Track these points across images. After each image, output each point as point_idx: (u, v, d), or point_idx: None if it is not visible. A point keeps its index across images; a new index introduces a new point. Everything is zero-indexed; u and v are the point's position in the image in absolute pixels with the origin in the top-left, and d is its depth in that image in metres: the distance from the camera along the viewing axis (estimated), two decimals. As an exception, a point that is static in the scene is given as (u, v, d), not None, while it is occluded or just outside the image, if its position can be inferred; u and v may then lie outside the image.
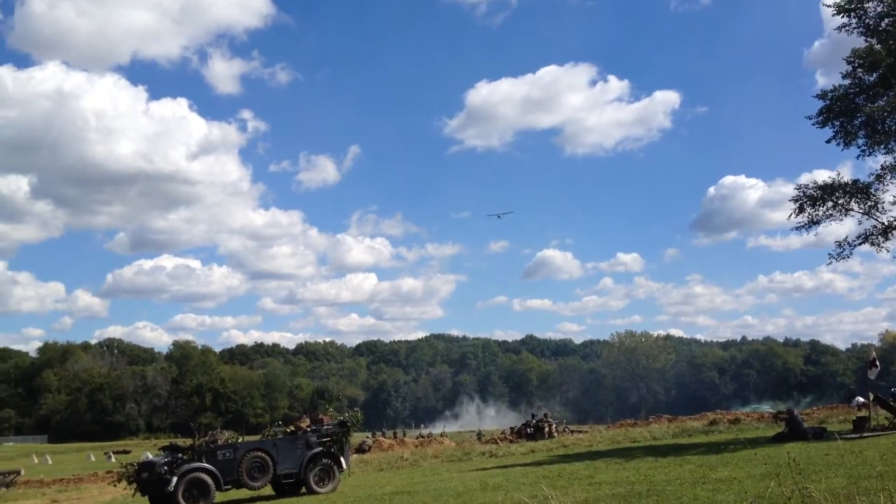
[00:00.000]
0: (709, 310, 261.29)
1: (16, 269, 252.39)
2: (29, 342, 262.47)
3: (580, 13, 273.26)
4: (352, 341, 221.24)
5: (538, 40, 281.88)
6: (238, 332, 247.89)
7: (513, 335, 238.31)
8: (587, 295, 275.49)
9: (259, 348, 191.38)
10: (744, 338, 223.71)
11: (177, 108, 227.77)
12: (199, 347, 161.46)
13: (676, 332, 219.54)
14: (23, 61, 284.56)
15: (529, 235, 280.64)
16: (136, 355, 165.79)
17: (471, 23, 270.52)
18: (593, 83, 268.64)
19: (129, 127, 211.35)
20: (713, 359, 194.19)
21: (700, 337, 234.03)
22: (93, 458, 73.01)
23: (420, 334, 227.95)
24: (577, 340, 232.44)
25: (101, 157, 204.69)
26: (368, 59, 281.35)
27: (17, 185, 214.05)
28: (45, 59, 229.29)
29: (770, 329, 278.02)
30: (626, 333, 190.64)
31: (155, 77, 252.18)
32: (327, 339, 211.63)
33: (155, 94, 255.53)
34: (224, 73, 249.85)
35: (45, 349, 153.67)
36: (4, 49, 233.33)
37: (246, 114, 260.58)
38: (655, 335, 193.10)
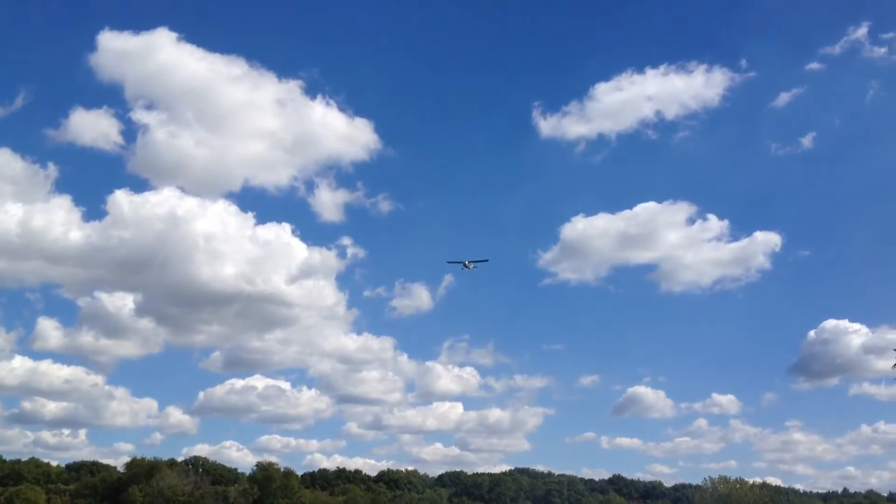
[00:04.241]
0: (809, 458, 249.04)
1: (113, 384, 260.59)
2: (119, 457, 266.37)
3: (680, 153, 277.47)
4: (434, 471, 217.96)
5: (637, 177, 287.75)
6: (322, 456, 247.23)
7: (600, 474, 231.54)
8: (679, 436, 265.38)
9: (341, 474, 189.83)
10: (845, 490, 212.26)
11: (281, 233, 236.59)
12: (282, 470, 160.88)
13: (774, 481, 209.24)
14: (141, 185, 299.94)
15: (621, 371, 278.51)
16: (220, 475, 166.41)
17: (569, 159, 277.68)
18: (692, 221, 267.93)
19: (235, 250, 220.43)
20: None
21: (799, 486, 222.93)
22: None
23: (504, 467, 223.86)
24: (668, 483, 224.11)
25: (206, 277, 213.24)
26: (467, 191, 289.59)
27: (123, 302, 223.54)
28: (161, 185, 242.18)
29: (874, 482, 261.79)
30: (720, 479, 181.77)
31: (263, 203, 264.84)
32: (410, 468, 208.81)
33: (262, 219, 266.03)
34: (329, 201, 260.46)
35: (133, 465, 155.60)
36: (124, 173, 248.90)
37: (346, 240, 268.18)
38: (751, 482, 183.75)
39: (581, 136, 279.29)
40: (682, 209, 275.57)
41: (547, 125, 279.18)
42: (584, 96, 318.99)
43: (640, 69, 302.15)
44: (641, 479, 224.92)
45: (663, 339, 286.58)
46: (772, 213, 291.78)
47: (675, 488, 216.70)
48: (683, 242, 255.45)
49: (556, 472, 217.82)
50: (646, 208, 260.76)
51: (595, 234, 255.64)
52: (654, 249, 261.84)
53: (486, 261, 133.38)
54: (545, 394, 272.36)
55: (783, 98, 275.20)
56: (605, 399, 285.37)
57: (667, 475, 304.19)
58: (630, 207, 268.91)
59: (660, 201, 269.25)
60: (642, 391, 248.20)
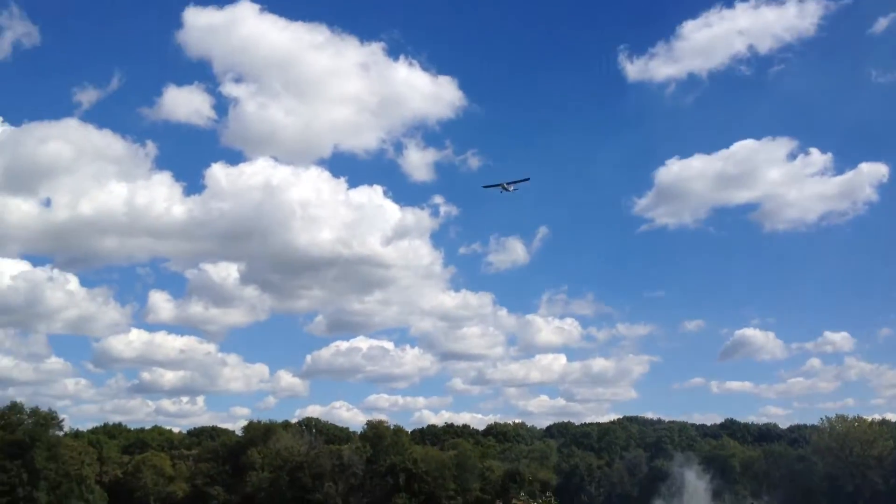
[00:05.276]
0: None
1: (225, 351, 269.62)
2: (236, 421, 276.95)
3: (777, 88, 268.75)
4: (542, 423, 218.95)
5: (732, 115, 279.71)
6: (429, 413, 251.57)
7: (712, 419, 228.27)
8: (792, 377, 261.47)
9: (449, 429, 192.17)
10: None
11: (373, 196, 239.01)
12: (392, 428, 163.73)
13: (894, 417, 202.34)
14: (235, 157, 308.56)
15: (727, 314, 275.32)
16: (333, 434, 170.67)
17: (660, 102, 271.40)
18: (793, 156, 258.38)
19: (330, 215, 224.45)
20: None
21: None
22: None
23: (612, 416, 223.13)
24: (783, 425, 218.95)
25: (304, 243, 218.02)
26: (555, 141, 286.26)
27: (228, 272, 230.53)
28: (255, 155, 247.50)
29: None
30: (837, 418, 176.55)
31: (354, 167, 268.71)
32: (517, 421, 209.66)
33: (353, 183, 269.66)
34: (418, 161, 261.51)
35: (250, 428, 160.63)
36: (219, 146, 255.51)
37: (438, 199, 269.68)
38: (870, 420, 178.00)
39: (670, 77, 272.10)
40: (783, 145, 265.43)
41: (634, 69, 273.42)
42: (670, 36, 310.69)
43: (728, 3, 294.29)
44: (755, 423, 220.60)
45: (770, 279, 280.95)
46: (877, 143, 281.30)
47: (791, 430, 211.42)
48: (786, 179, 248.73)
49: (666, 419, 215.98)
50: (744, 146, 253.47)
51: (692, 175, 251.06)
52: (755, 188, 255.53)
53: (528, 180, 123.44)
54: (649, 341, 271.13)
55: (882, 23, 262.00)
56: (711, 343, 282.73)
57: (781, 417, 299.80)
58: (727, 146, 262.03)
59: (758, 138, 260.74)
60: (750, 333, 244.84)
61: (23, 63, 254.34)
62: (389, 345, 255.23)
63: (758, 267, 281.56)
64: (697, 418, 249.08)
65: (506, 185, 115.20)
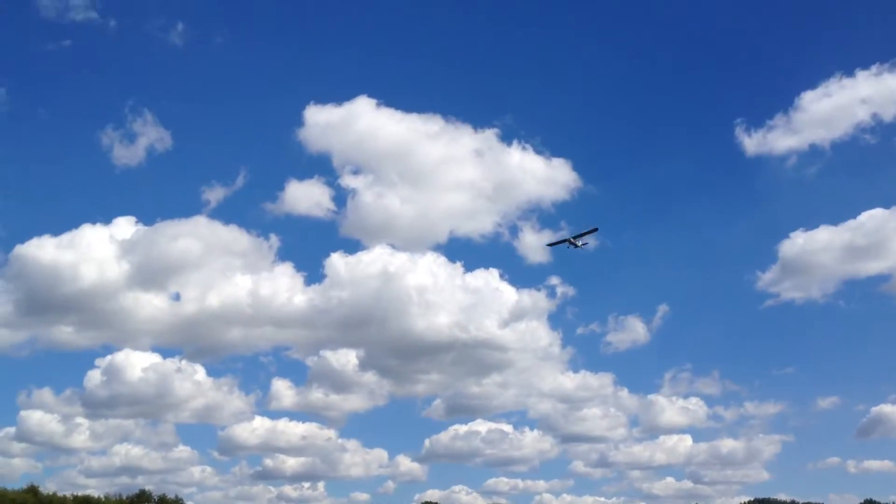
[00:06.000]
0: None
1: (345, 437, 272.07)
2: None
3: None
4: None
5: (859, 185, 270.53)
6: (550, 496, 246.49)
7: (849, 500, 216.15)
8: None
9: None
10: None
11: (490, 279, 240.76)
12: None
13: None
14: (353, 247, 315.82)
15: (862, 390, 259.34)
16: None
17: (781, 174, 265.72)
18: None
19: (447, 299, 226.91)
20: None
21: None
22: None
23: (743, 498, 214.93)
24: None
25: (422, 329, 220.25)
26: (673, 218, 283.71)
27: (347, 358, 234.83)
28: (372, 244, 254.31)
29: None
30: None
31: (470, 252, 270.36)
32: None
33: (469, 267, 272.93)
34: (534, 243, 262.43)
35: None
36: (337, 236, 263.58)
37: (554, 280, 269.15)
38: None
39: (791, 149, 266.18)
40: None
41: (752, 142, 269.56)
42: (789, 107, 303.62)
43: (849, 72, 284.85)
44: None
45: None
46: None
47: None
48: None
49: (801, 500, 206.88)
50: (872, 216, 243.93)
51: (818, 248, 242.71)
52: (887, 258, 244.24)
53: (596, 230, 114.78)
54: (780, 420, 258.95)
55: None
56: (847, 421, 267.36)
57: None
58: (854, 217, 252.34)
59: (887, 207, 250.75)
60: (889, 409, 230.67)
61: (156, 166, 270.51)
62: (508, 428, 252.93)
63: (894, 340, 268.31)
64: (834, 499, 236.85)
65: (572, 240, 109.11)
